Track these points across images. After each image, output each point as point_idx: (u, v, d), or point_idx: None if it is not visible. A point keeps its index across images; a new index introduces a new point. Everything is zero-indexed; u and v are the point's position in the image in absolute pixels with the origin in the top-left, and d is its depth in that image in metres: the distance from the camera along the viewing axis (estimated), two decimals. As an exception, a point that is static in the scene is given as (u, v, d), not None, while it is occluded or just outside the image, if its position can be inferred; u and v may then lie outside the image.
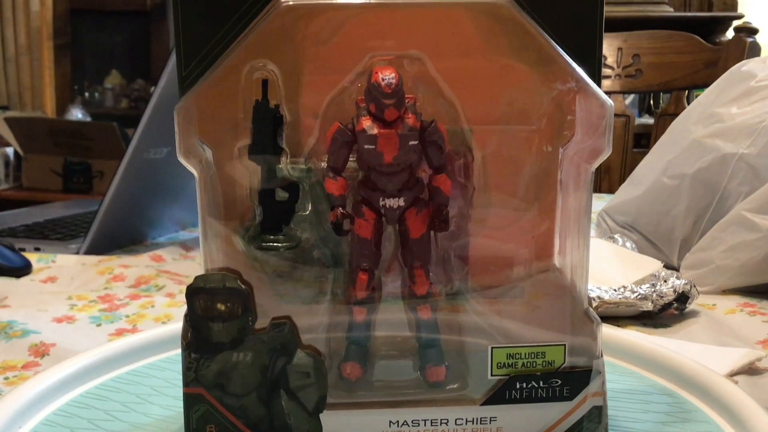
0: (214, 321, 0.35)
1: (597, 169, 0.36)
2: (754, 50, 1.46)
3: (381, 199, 0.35)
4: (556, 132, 0.35)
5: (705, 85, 1.03)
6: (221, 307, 0.35)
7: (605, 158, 0.35)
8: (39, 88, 3.33)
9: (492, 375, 0.36)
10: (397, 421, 0.36)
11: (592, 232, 0.60)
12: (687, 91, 1.61)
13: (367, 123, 0.34)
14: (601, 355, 0.36)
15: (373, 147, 0.34)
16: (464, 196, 0.36)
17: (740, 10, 2.64)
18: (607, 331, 0.37)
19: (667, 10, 2.33)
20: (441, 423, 0.36)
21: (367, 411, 0.36)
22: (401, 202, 0.35)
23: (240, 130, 0.34)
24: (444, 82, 0.34)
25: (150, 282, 0.78)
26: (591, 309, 0.37)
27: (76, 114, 3.07)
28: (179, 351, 0.35)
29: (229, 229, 0.35)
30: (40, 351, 0.57)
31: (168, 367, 0.48)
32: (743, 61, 0.90)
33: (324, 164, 0.35)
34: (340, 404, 0.36)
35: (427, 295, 0.36)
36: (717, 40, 2.07)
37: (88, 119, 3.05)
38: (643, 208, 0.87)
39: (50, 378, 0.44)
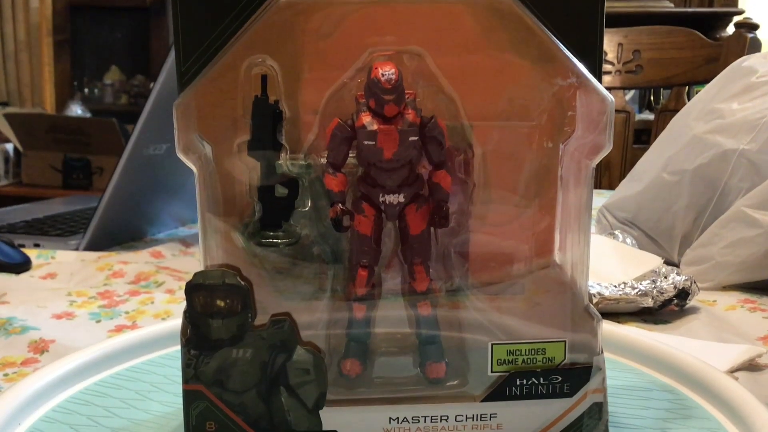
0: (214, 317, 0.35)
1: (597, 165, 0.36)
2: (755, 46, 1.45)
3: (381, 195, 0.35)
4: (556, 128, 0.35)
5: (705, 80, 1.03)
6: (221, 303, 0.35)
7: (606, 154, 0.35)
8: (38, 85, 3.33)
9: (492, 371, 0.36)
10: (397, 418, 0.36)
11: (593, 229, 0.59)
12: (687, 87, 1.60)
13: (366, 119, 0.33)
14: (602, 352, 0.36)
15: (373, 143, 0.33)
16: (464, 193, 0.36)
17: (741, 5, 2.64)
18: (607, 327, 0.37)
19: (668, 6, 2.33)
20: (441, 419, 0.36)
21: (366, 408, 0.36)
22: (401, 198, 0.35)
23: (239, 126, 0.34)
24: (444, 78, 0.34)
25: (150, 278, 0.77)
26: (591, 305, 0.37)
27: (76, 110, 3.07)
28: (179, 347, 0.35)
29: (229, 225, 0.35)
30: (40, 347, 0.57)
31: (167, 364, 0.48)
32: (744, 57, 0.90)
33: (323, 160, 0.35)
34: (339, 401, 0.36)
35: (427, 291, 0.36)
36: (717, 36, 2.07)
37: (88, 115, 3.05)
38: (643, 204, 0.87)
39: (50, 374, 0.43)
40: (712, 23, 2.27)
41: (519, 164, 0.36)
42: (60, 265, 0.82)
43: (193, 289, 0.35)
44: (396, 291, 0.36)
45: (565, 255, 0.37)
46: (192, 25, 0.33)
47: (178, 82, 0.34)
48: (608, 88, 0.35)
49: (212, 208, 0.35)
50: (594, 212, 0.90)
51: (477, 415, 0.36)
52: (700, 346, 0.53)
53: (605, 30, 0.34)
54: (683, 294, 0.63)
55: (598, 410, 0.36)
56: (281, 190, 0.35)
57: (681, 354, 0.46)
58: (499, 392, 0.36)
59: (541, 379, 0.36)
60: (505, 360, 0.36)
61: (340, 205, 0.34)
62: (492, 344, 0.36)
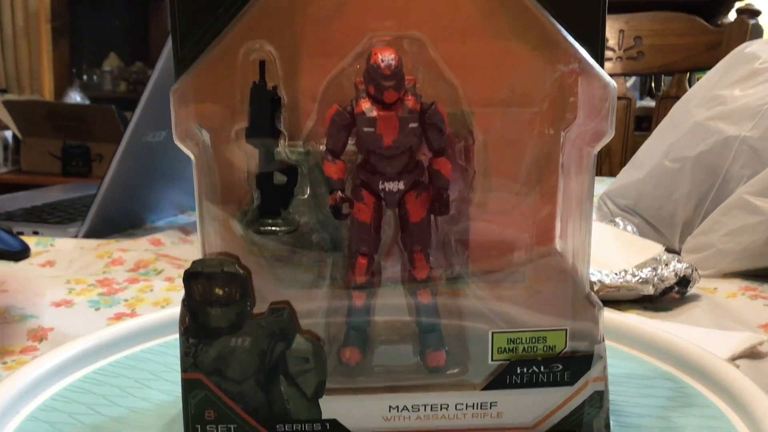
0: (212, 306, 0.35)
1: (598, 152, 0.35)
2: (757, 32, 1.45)
3: (380, 182, 0.34)
4: (558, 114, 0.35)
5: (707, 67, 1.03)
6: (219, 291, 0.35)
7: (608, 141, 0.35)
8: (37, 72, 3.32)
9: (492, 360, 0.36)
10: (397, 406, 0.36)
11: (593, 216, 0.59)
12: (688, 74, 1.60)
13: (366, 105, 0.33)
14: (603, 340, 0.36)
15: (373, 130, 0.33)
16: (465, 180, 0.35)
17: (742, -9, 2.62)
18: (607, 315, 0.37)
19: (669, -8, 2.32)
20: (441, 408, 0.36)
21: (366, 396, 0.36)
22: (401, 185, 0.34)
23: (237, 112, 0.34)
24: (444, 64, 0.34)
25: (149, 266, 0.77)
26: (593, 293, 0.36)
27: (75, 97, 3.06)
28: (178, 335, 0.35)
29: (227, 213, 0.35)
30: (39, 335, 0.56)
31: (167, 352, 0.48)
32: (746, 43, 0.90)
33: (322, 147, 0.34)
34: (339, 389, 0.36)
35: (427, 279, 0.36)
36: (719, 22, 2.06)
37: (87, 102, 3.03)
38: (644, 191, 0.86)
39: (48, 363, 0.43)
40: (713, 9, 2.26)
41: (520, 151, 0.35)
42: (59, 253, 0.82)
43: (191, 277, 0.35)
44: (396, 279, 0.36)
45: (567, 243, 0.36)
46: (189, 9, 0.33)
47: (175, 68, 0.33)
48: (609, 75, 0.34)
49: (210, 195, 0.35)
50: (594, 200, 0.90)
51: (477, 404, 0.36)
52: (701, 333, 0.53)
53: (606, 16, 0.34)
54: (684, 281, 0.63)
55: (599, 398, 0.36)
56: (280, 178, 0.35)
57: (682, 342, 0.46)
58: (500, 381, 0.36)
59: (542, 367, 0.36)
60: (505, 348, 0.36)
61: (339, 192, 0.34)
62: (492, 332, 0.36)
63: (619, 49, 1.57)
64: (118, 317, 0.61)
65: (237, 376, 0.35)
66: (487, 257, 0.36)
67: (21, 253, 0.80)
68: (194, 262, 0.35)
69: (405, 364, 0.37)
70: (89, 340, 0.47)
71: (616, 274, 0.63)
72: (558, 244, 0.36)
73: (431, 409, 0.36)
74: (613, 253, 0.68)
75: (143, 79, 3.27)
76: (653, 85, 2.89)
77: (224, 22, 0.33)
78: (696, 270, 0.64)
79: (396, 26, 0.33)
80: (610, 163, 1.60)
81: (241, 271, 0.34)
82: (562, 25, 0.33)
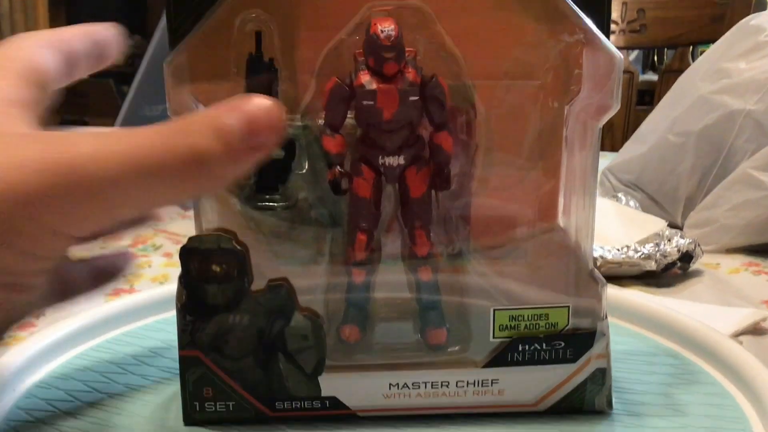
0: (209, 283, 0.34)
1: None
2: (761, 4, 1.43)
3: (380, 157, 0.34)
4: (562, 87, 0.34)
5: (710, 40, 1.01)
6: (216, 268, 0.34)
7: (612, 114, 0.34)
8: (34, 45, 3.29)
9: (494, 337, 0.35)
10: (397, 384, 0.36)
11: (595, 191, 0.58)
12: (692, 47, 1.58)
13: (365, 78, 0.32)
14: (606, 317, 0.36)
15: (372, 103, 0.32)
16: (466, 154, 0.35)
17: (747, -37, 2.59)
18: (610, 291, 0.37)
19: (673, -36, 2.29)
20: (442, 386, 0.36)
21: (366, 374, 0.36)
22: (401, 160, 0.34)
23: (233, 85, 0.33)
24: (446, 35, 0.33)
25: (147, 241, 0.77)
26: (596, 270, 0.36)
27: (72, 71, 3.04)
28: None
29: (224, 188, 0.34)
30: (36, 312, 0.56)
31: (165, 329, 0.47)
32: (752, 15, 0.88)
33: (321, 121, 0.34)
34: (338, 367, 0.35)
35: (428, 256, 0.35)
36: (723, -5, 2.03)
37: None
38: (647, 166, 0.86)
39: (46, 339, 0.43)
40: (717, -19, 2.23)
41: (523, 125, 0.34)
42: (57, 229, 0.81)
43: (188, 254, 0.34)
44: (396, 255, 0.36)
45: (570, 219, 0.36)
46: (182, -21, 0.32)
47: (169, 40, 0.33)
48: (613, 47, 0.33)
49: (207, 170, 0.34)
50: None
51: (478, 381, 0.36)
52: (704, 310, 0.53)
53: (610, -11, 0.33)
54: (687, 257, 0.63)
55: (602, 376, 0.36)
56: (277, 152, 0.34)
57: (684, 318, 0.45)
58: (501, 358, 0.35)
59: (544, 344, 0.35)
60: (507, 326, 0.35)
61: (338, 167, 0.33)
62: (494, 310, 0.35)
63: (622, 21, 1.55)
64: (117, 293, 0.60)
65: (235, 354, 0.35)
66: (489, 233, 0.35)
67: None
68: (191, 239, 0.34)
69: (405, 341, 0.37)
70: (87, 316, 0.46)
71: (618, 249, 0.62)
72: (561, 220, 0.36)
73: (432, 387, 0.36)
74: (615, 228, 0.68)
75: (141, 53, 3.24)
76: (656, 58, 2.86)
77: (219, -9, 0.32)
78: (699, 245, 0.64)
79: (396, -5, 0.33)
80: (612, 137, 1.59)
81: (239, 248, 0.34)
82: (567, -5, 0.32)
